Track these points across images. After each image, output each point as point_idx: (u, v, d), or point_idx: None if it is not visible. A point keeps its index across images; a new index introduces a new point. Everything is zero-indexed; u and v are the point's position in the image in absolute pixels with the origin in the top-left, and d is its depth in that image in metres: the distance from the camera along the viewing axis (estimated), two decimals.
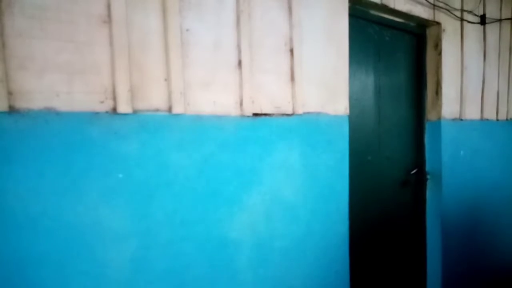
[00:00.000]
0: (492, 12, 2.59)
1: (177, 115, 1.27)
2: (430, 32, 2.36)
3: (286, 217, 1.60)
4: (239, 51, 1.42)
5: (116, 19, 1.14)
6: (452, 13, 2.33)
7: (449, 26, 2.34)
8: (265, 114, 1.51)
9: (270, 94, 1.53)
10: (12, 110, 0.99)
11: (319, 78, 1.69)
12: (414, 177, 2.43)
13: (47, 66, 1.04)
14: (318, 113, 1.69)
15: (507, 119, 2.83)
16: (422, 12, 2.18)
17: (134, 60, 1.19)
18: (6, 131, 0.98)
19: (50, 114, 1.04)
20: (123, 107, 1.16)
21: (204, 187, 1.35)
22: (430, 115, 2.40)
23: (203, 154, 1.34)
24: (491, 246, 2.82)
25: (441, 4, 2.25)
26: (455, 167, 2.44)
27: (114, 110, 1.15)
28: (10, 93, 0.99)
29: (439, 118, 2.34)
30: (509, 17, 2.70)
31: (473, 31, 2.50)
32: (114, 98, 1.15)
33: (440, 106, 2.33)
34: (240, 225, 1.45)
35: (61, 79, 1.06)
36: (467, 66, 2.47)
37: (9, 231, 1.00)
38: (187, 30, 1.30)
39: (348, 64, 1.82)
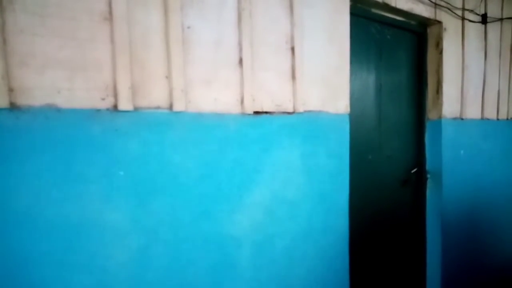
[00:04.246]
0: (493, 11, 2.59)
1: (178, 112, 1.27)
2: (431, 31, 2.36)
3: (286, 215, 1.60)
4: (240, 49, 1.42)
5: (118, 16, 1.13)
6: (453, 12, 2.33)
7: (450, 25, 2.34)
8: (266, 112, 1.51)
9: (271, 92, 1.52)
10: (13, 107, 0.99)
11: (320, 77, 1.69)
12: (415, 176, 2.43)
13: (48, 63, 1.04)
14: (319, 112, 1.69)
15: (507, 119, 2.83)
16: (423, 10, 2.18)
17: (135, 57, 1.18)
18: (7, 128, 0.98)
19: (51, 111, 1.04)
20: (124, 104, 1.16)
21: (205, 185, 1.35)
22: (431, 114, 2.40)
23: (204, 152, 1.34)
24: (491, 246, 2.82)
25: (442, 3, 2.25)
26: (456, 166, 2.44)
27: (115, 107, 1.15)
28: (11, 90, 0.99)
29: (440, 117, 2.34)
30: (511, 16, 2.69)
31: (474, 30, 2.49)
32: (115, 95, 1.15)
33: (440, 105, 2.33)
34: (240, 223, 1.46)
35: (62, 76, 1.06)
36: (468, 65, 2.47)
37: (9, 229, 1.00)
38: (189, 27, 1.30)
39: (349, 63, 1.82)
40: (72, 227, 1.09)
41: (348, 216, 1.84)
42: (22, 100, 1.01)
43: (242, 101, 1.44)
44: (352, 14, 1.84)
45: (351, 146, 1.84)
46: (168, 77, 1.26)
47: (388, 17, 2.13)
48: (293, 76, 1.58)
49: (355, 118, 1.99)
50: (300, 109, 1.61)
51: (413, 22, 2.28)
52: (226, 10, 1.39)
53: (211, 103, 1.36)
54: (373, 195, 2.19)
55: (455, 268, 2.51)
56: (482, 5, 2.51)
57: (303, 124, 1.63)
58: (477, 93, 2.58)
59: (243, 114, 1.44)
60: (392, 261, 2.35)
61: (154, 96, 1.23)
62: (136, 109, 1.19)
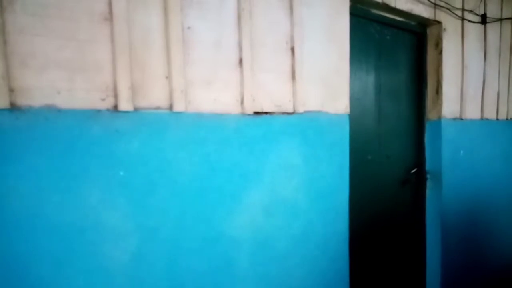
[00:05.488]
0: (492, 11, 2.59)
1: (178, 113, 1.27)
2: (431, 31, 2.36)
3: (286, 216, 1.60)
4: (240, 50, 1.42)
5: (118, 17, 1.13)
6: (453, 12, 2.33)
7: (450, 25, 2.34)
8: (266, 113, 1.51)
9: (271, 92, 1.53)
10: (13, 107, 0.99)
11: (320, 77, 1.69)
12: (414, 176, 2.43)
13: (49, 63, 1.04)
14: (319, 112, 1.69)
15: (507, 119, 2.83)
16: (423, 11, 2.18)
17: (135, 57, 1.19)
18: (7, 128, 0.98)
19: (51, 111, 1.04)
20: (124, 105, 1.16)
21: (204, 185, 1.35)
22: (431, 114, 2.40)
23: (204, 152, 1.34)
24: (491, 245, 2.82)
25: (442, 3, 2.25)
26: (455, 167, 2.45)
27: (115, 107, 1.15)
28: (11, 90, 0.99)
29: (440, 118, 2.34)
30: (510, 16, 2.70)
31: (473, 30, 2.50)
32: (115, 96, 1.15)
33: (440, 105, 2.33)
34: (240, 223, 1.46)
35: (62, 77, 1.06)
36: (468, 65, 2.47)
37: (9, 229, 1.00)
38: (189, 28, 1.30)
39: (349, 63, 1.82)
40: (71, 227, 1.09)
41: (348, 216, 1.84)
42: (22, 101, 1.01)
43: (242, 102, 1.44)
44: (352, 14, 1.85)
45: (350, 146, 1.84)
46: (168, 77, 1.26)
47: (387, 18, 2.13)
48: (293, 77, 1.58)
49: (355, 118, 1.99)
50: (300, 109, 1.61)
51: (412, 23, 2.29)
52: (226, 10, 1.39)
53: (211, 103, 1.36)
54: (373, 195, 2.19)
55: (455, 268, 2.52)
56: (482, 5, 2.51)
57: (303, 124, 1.63)
58: (477, 93, 2.58)
59: (243, 115, 1.44)
60: (392, 261, 2.35)
61: (154, 96, 1.23)
62: (136, 109, 1.19)
